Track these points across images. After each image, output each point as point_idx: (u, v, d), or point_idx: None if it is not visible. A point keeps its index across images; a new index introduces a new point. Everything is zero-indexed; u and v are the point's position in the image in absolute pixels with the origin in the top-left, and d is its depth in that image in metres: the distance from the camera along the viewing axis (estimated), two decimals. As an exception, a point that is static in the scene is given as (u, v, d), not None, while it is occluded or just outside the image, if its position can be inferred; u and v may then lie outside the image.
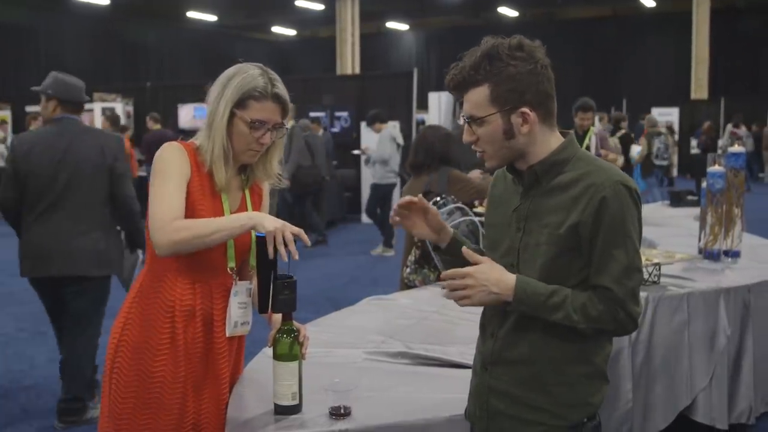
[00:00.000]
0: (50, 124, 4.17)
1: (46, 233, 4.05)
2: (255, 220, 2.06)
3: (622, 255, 1.76)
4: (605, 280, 1.77)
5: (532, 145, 1.83)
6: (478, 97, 1.80)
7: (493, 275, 1.79)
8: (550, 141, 1.84)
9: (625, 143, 10.99)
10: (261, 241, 2.10)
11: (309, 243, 2.13)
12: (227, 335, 2.27)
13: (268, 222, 2.03)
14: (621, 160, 8.82)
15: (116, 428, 2.25)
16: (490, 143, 1.83)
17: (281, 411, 2.11)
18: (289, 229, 2.03)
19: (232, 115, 2.16)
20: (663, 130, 15.15)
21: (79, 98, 4.21)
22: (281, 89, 2.19)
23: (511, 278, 1.79)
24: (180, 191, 2.14)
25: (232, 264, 2.25)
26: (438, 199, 4.12)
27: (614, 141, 11.50)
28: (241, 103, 2.15)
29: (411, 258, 4.25)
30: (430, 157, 4.39)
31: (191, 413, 2.24)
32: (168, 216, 2.08)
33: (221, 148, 2.17)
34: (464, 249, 1.86)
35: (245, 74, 2.17)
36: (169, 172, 2.15)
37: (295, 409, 2.11)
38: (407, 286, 4.22)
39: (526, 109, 1.78)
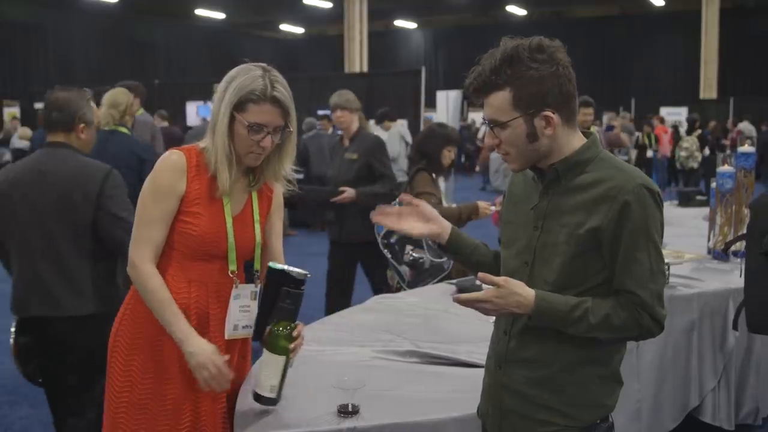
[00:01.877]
0: None
1: None
2: (187, 350, 2.14)
3: (645, 258, 1.75)
4: (630, 284, 1.76)
5: (555, 145, 1.81)
6: (500, 101, 1.77)
7: (512, 300, 1.76)
8: (572, 141, 1.83)
9: (702, 142, 11.91)
10: (272, 274, 2.14)
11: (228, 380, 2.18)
12: (226, 337, 2.26)
13: (194, 361, 2.13)
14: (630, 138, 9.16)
15: (114, 422, 2.26)
16: (513, 146, 1.81)
17: (257, 399, 2.11)
18: (215, 377, 2.14)
19: (232, 118, 2.15)
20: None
21: None
22: (281, 92, 2.15)
23: (530, 296, 1.76)
24: (165, 220, 2.19)
25: (233, 267, 2.25)
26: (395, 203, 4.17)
27: (693, 140, 11.94)
28: (240, 105, 2.14)
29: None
30: (414, 150, 4.44)
31: (189, 412, 2.24)
32: (147, 251, 2.19)
33: (224, 152, 2.16)
34: (480, 274, 1.84)
35: (245, 76, 2.14)
36: (159, 195, 2.19)
37: (271, 402, 2.11)
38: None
39: (549, 112, 1.76)
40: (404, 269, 4.08)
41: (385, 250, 4.11)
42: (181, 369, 2.22)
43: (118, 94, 4.69)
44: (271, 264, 2.18)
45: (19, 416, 4.48)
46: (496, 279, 1.80)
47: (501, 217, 2.03)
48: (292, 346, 2.12)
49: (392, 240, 4.08)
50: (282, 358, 2.09)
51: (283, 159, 2.28)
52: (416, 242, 4.07)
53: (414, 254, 4.07)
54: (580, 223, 1.77)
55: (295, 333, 2.13)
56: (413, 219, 2.06)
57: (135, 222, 2.23)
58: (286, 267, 2.15)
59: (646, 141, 16.36)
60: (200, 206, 2.20)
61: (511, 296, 1.76)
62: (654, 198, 1.76)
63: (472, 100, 1.88)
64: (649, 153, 16.42)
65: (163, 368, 2.23)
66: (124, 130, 4.62)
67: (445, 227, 2.06)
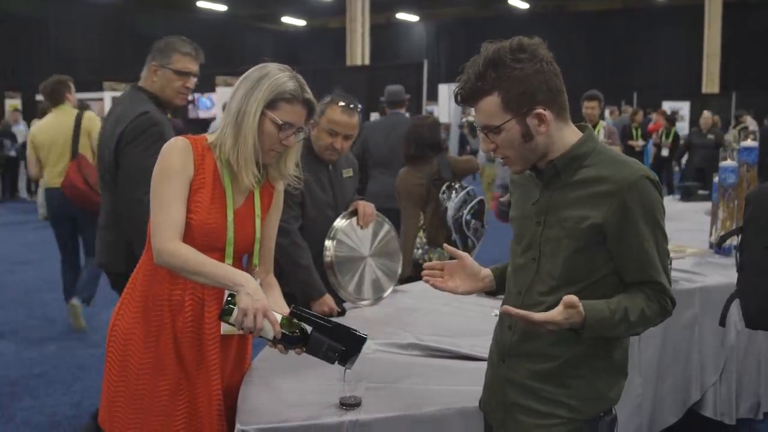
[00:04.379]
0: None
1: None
2: (240, 288, 2.03)
3: (654, 245, 1.78)
4: (653, 274, 1.78)
5: (551, 141, 1.81)
6: (490, 106, 1.77)
7: (566, 319, 1.72)
8: (567, 135, 1.83)
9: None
10: (354, 337, 2.13)
11: (278, 336, 2.05)
12: (221, 333, 2.24)
13: (245, 298, 2.01)
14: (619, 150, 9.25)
15: (111, 414, 2.27)
16: (510, 149, 1.81)
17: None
18: (261, 314, 2.01)
19: (261, 115, 2.15)
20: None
21: (395, 99, 6.83)
22: (311, 94, 2.21)
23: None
24: (181, 199, 2.16)
25: (229, 261, 2.24)
26: (455, 185, 4.43)
27: (734, 133, 12.33)
28: (272, 104, 2.15)
29: (419, 241, 4.48)
30: (422, 147, 4.56)
31: (184, 404, 2.24)
32: (169, 232, 2.12)
33: (252, 148, 2.16)
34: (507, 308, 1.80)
35: (276, 76, 2.16)
36: (171, 175, 2.16)
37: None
38: (419, 266, 4.40)
39: (540, 110, 1.76)
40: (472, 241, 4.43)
41: (465, 228, 4.38)
42: (177, 361, 2.23)
43: None
44: (360, 333, 2.15)
45: (21, 407, 4.49)
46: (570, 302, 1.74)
47: (509, 213, 2.04)
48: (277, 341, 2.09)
49: (468, 215, 4.38)
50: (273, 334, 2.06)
51: (288, 158, 2.29)
52: (479, 214, 4.44)
53: (473, 225, 4.42)
54: (582, 217, 1.78)
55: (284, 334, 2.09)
56: (458, 276, 2.06)
57: (151, 211, 2.18)
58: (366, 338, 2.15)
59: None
60: (202, 196, 2.19)
61: (567, 316, 1.72)
62: (655, 186, 1.79)
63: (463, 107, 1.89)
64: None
65: (159, 360, 2.23)
66: None
67: (490, 281, 2.08)
